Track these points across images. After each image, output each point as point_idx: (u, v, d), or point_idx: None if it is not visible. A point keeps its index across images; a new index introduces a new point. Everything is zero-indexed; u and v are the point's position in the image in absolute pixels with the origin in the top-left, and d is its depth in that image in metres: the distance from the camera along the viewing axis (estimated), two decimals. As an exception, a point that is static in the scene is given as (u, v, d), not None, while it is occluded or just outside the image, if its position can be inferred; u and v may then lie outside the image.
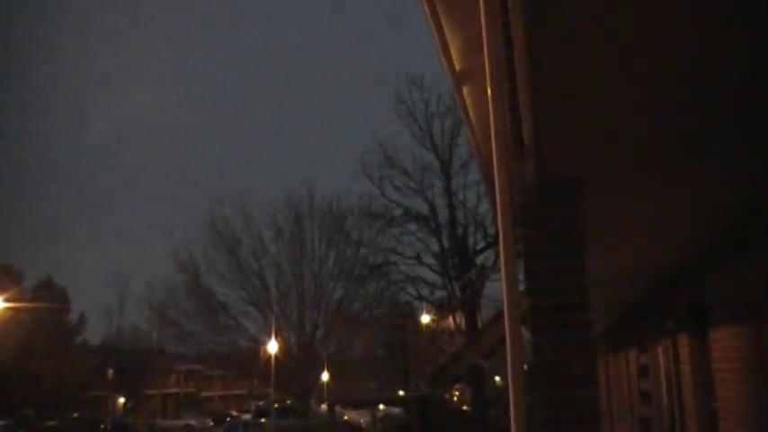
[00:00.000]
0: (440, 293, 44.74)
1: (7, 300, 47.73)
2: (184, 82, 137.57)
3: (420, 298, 46.16)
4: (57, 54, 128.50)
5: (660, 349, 14.96)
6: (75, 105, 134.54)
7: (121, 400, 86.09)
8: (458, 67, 6.28)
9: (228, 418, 60.84)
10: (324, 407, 54.85)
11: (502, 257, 4.91)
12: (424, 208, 45.25)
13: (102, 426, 53.30)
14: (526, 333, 5.30)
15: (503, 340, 5.09)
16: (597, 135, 4.83)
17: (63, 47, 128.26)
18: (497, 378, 38.72)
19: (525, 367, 5.16)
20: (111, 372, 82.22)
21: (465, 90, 6.70)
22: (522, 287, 5.14)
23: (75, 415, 65.85)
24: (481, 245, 43.52)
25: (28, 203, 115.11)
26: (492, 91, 4.59)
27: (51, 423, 55.34)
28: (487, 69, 4.63)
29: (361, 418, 44.37)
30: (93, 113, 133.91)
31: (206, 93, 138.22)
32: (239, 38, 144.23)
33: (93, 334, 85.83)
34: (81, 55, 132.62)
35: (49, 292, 74.07)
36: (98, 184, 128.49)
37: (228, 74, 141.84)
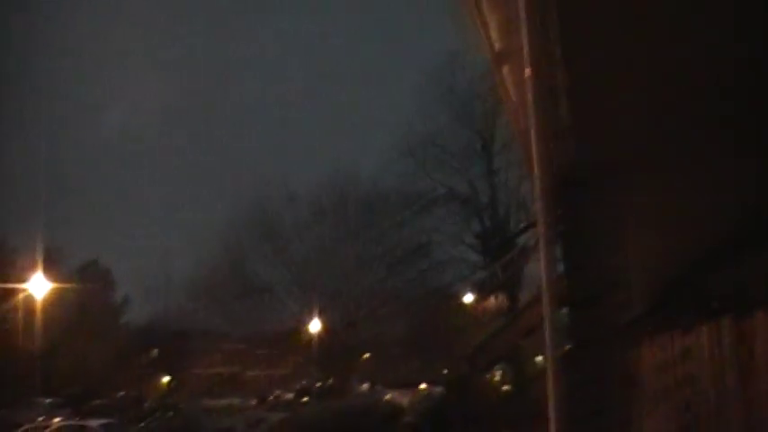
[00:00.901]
0: (481, 274, 44.59)
1: (53, 280, 48.45)
2: (228, 64, 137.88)
3: (462, 278, 46.08)
4: (102, 36, 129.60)
5: (704, 331, 14.82)
6: (121, 86, 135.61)
7: (165, 379, 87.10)
8: (497, 47, 6.27)
9: (271, 398, 61.32)
10: (365, 386, 55.11)
11: (541, 238, 4.92)
12: (465, 188, 45.09)
13: (146, 404, 54.00)
14: (565, 313, 5.31)
15: (542, 320, 5.09)
16: (634, 117, 4.81)
17: (107, 32, 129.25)
18: (538, 358, 38.62)
19: (566, 348, 5.18)
20: (155, 351, 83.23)
21: (504, 70, 6.68)
22: (561, 268, 5.15)
23: (120, 394, 66.76)
24: (522, 225, 43.26)
25: (73, 185, 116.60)
26: (530, 72, 4.58)
27: (97, 402, 56.18)
28: (525, 50, 4.62)
29: (402, 397, 44.50)
30: (138, 95, 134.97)
31: (249, 73, 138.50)
32: (280, 18, 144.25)
33: (138, 314, 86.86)
34: (130, 37, 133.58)
35: (95, 273, 75.06)
36: (142, 165, 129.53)
37: (270, 53, 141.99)
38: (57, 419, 33.22)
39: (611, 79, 4.29)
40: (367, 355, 56.54)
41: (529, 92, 4.62)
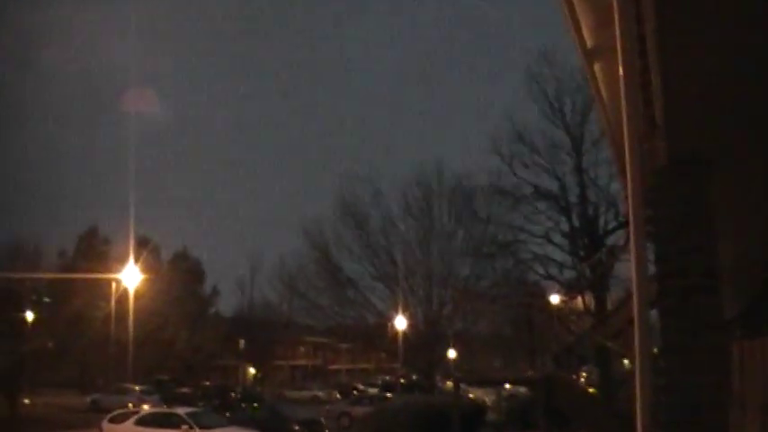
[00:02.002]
0: (568, 273, 44.05)
1: (145, 271, 49.61)
2: (316, 62, 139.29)
3: (548, 277, 45.49)
4: (190, 33, 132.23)
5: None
6: (213, 82, 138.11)
7: (251, 369, 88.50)
8: (589, 44, 6.18)
9: (355, 392, 61.74)
10: (449, 383, 55.06)
11: (632, 238, 4.84)
12: (554, 186, 44.53)
13: (232, 394, 54.94)
14: (655, 315, 5.20)
15: (631, 322, 5.00)
16: (729, 114, 4.67)
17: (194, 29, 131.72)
18: (625, 361, 38.00)
19: (654, 350, 5.07)
20: (242, 342, 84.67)
21: (596, 67, 6.59)
22: (652, 269, 5.05)
23: (207, 383, 68.07)
24: (612, 225, 42.56)
25: (165, 176, 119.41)
26: (623, 69, 4.51)
27: (184, 390, 57.41)
28: (619, 47, 4.55)
29: (486, 396, 44.28)
30: (227, 91, 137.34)
31: (338, 71, 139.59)
32: (368, 17, 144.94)
33: (226, 305, 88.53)
34: (223, 34, 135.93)
35: (185, 264, 76.64)
36: (231, 159, 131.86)
37: (358, 52, 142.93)
38: (146, 406, 34.03)
39: (708, 75, 4.17)
40: (451, 351, 56.44)
41: (621, 89, 4.54)
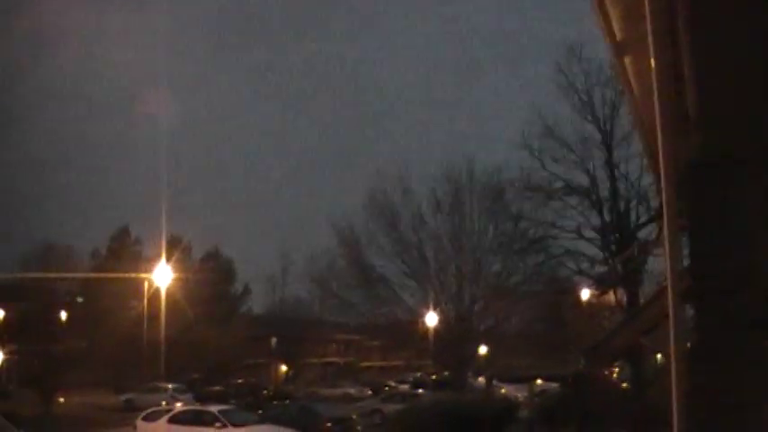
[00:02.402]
0: (600, 268, 43.78)
1: (176, 270, 49.96)
2: (345, 59, 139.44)
3: (579, 273, 45.27)
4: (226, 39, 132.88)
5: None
6: (245, 79, 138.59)
7: (283, 367, 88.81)
8: (618, 37, 6.13)
9: (386, 389, 61.78)
10: (481, 380, 54.91)
11: (665, 232, 4.78)
12: (584, 181, 44.29)
13: (264, 392, 55.20)
14: (689, 310, 5.14)
15: (665, 317, 4.95)
16: (765, 107, 4.60)
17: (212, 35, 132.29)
18: (658, 356, 37.72)
19: (688, 345, 5.00)
20: (273, 340, 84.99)
21: (626, 60, 6.54)
22: (685, 263, 4.98)
23: (239, 381, 68.40)
24: (643, 219, 42.21)
25: (196, 175, 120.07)
26: (655, 61, 4.46)
27: (216, 388, 57.75)
28: (650, 38, 4.49)
29: (518, 392, 44.15)
30: (258, 90, 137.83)
31: (367, 68, 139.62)
32: (396, 15, 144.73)
33: (257, 304, 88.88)
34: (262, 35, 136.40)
35: (216, 263, 77.06)
36: (262, 158, 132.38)
37: (387, 50, 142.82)
38: (179, 404, 34.28)
39: (743, 65, 4.10)
40: (482, 348, 56.31)
41: (653, 81, 4.49)
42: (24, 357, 61.02)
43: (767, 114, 4.75)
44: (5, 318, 59.70)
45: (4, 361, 61.02)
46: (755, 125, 4.96)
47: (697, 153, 4.75)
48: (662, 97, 4.51)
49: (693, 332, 4.98)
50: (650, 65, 4.53)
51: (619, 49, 6.35)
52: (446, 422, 22.60)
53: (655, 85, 4.50)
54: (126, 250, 71.23)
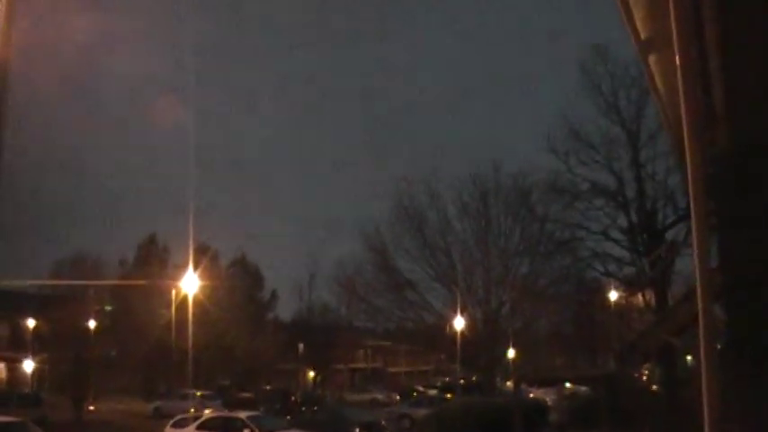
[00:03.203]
0: (628, 270, 43.43)
1: (204, 277, 50.16)
2: (368, 62, 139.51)
3: (607, 274, 44.93)
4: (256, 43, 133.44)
5: None
6: (268, 82, 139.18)
7: (311, 373, 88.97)
8: (643, 36, 6.08)
9: (414, 393, 61.71)
10: (509, 384, 54.70)
11: (694, 230, 4.72)
12: (611, 182, 43.96)
13: (293, 398, 55.34)
14: (720, 310, 5.07)
15: (695, 318, 4.88)
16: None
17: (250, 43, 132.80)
18: (689, 357, 37.42)
19: (719, 346, 4.94)
20: (301, 346, 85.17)
21: (651, 59, 6.48)
22: (715, 262, 4.92)
23: (268, 387, 68.63)
24: (671, 219, 41.86)
25: (221, 184, 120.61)
26: (680, 57, 4.40)
27: (245, 394, 57.95)
28: (675, 35, 4.43)
29: (547, 396, 43.95)
30: (282, 94, 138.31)
31: (392, 70, 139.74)
32: (417, 16, 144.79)
33: (285, 310, 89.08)
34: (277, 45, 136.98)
35: (243, 270, 77.36)
36: (288, 164, 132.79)
37: (413, 51, 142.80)
38: (207, 410, 34.42)
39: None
40: (511, 351, 56.09)
41: (679, 78, 4.43)
42: (55, 365, 61.70)
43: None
44: (36, 326, 60.33)
45: (36, 369, 61.71)
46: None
47: (724, 147, 4.68)
48: (688, 94, 4.45)
49: (724, 332, 4.92)
50: (675, 62, 4.47)
51: (644, 49, 6.29)
52: (475, 426, 22.51)
53: (680, 82, 4.44)
54: (153, 258, 71.68)
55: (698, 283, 4.63)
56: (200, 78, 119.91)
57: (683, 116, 4.50)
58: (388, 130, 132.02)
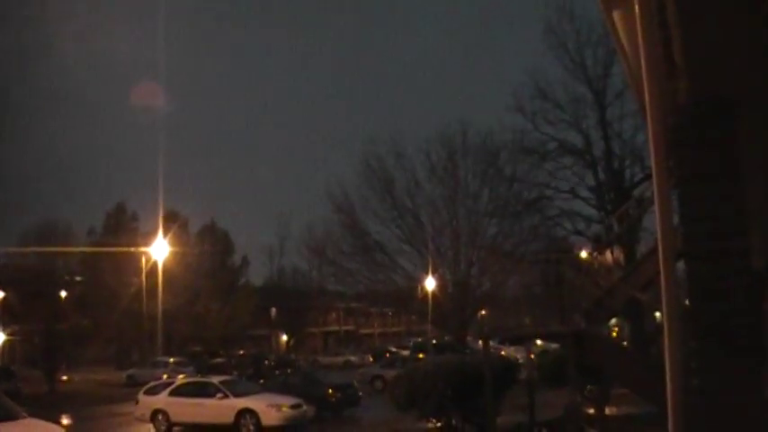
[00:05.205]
0: (596, 228, 43.75)
1: (173, 244, 49.90)
2: (337, 25, 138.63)
3: (576, 233, 45.25)
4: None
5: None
6: (239, 53, 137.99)
7: (284, 337, 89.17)
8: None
9: (387, 355, 61.99)
10: (480, 342, 55.03)
11: (655, 187, 4.68)
12: (578, 141, 44.17)
13: (265, 362, 55.41)
14: (683, 265, 5.05)
15: (659, 272, 4.86)
16: (752, 51, 4.48)
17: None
18: (657, 313, 37.81)
19: (684, 302, 4.93)
20: (273, 311, 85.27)
21: (615, 15, 6.41)
22: (677, 219, 4.89)
23: (241, 352, 68.70)
24: (639, 177, 42.15)
25: (190, 149, 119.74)
26: (639, 8, 4.34)
27: (218, 360, 57.94)
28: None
29: (518, 353, 44.25)
30: (255, 61, 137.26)
31: (357, 36, 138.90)
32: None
33: (256, 275, 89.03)
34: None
35: (213, 236, 77.04)
36: (256, 129, 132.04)
37: (379, 17, 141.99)
38: (180, 377, 34.36)
39: (726, 8, 3.98)
40: (481, 311, 56.41)
41: (638, 30, 4.37)
42: (26, 337, 61.27)
43: (753, 57, 4.64)
44: (5, 298, 59.81)
45: (6, 341, 61.25)
46: (745, 72, 4.85)
47: (686, 99, 4.63)
48: (647, 43, 4.39)
49: (686, 286, 4.90)
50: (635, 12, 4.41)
51: (608, 5, 6.23)
52: (446, 384, 22.61)
53: (639, 33, 4.38)
54: (122, 227, 71.12)
55: (660, 240, 4.61)
56: (173, 47, 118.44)
57: (643, 67, 4.45)
58: (354, 90, 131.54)
